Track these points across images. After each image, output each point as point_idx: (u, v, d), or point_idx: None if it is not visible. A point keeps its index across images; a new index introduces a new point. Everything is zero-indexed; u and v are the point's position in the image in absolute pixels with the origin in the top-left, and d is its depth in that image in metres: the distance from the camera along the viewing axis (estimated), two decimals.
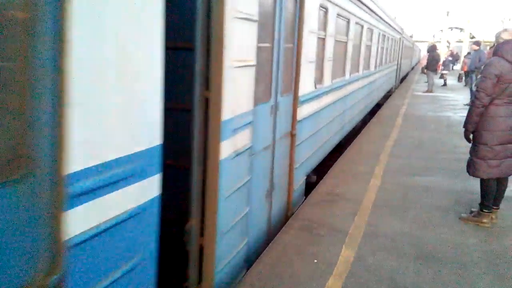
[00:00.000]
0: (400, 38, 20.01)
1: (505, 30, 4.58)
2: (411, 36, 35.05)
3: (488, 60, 4.64)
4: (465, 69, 22.43)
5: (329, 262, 3.72)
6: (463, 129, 4.62)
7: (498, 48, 4.38)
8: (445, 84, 22.72)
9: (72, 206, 1.63)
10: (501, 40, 4.45)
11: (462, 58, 24.86)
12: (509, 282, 3.52)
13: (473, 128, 4.47)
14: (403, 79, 26.20)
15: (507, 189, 4.83)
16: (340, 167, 6.72)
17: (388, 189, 5.72)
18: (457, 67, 27.40)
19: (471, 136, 4.56)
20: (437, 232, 4.41)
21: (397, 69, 21.02)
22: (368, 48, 10.02)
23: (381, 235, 4.31)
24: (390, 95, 17.61)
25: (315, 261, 3.73)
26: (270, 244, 4.01)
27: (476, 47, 14.86)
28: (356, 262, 3.73)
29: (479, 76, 4.62)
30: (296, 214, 4.74)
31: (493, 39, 5.19)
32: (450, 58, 25.09)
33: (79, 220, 1.68)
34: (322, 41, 5.50)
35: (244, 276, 3.47)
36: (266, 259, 3.72)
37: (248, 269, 3.59)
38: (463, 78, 23.96)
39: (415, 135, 9.40)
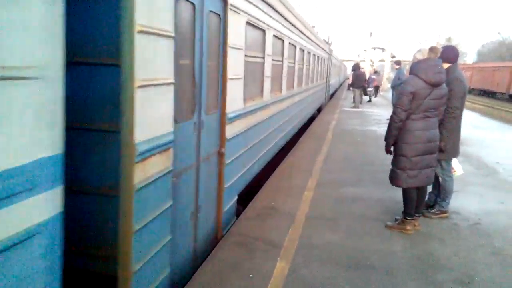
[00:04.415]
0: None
1: (419, 50, 4.99)
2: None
3: (405, 78, 5.02)
4: (376, 84, 27.52)
5: (264, 276, 3.74)
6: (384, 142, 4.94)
7: (413, 67, 4.75)
8: (370, 100, 24.27)
9: None
10: (415, 60, 4.85)
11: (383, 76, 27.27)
12: (434, 286, 3.74)
13: (393, 141, 4.79)
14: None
15: (427, 197, 5.20)
16: (275, 181, 6.84)
17: (321, 201, 5.90)
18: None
19: (391, 148, 4.88)
20: (366, 241, 4.62)
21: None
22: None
23: (314, 246, 4.42)
24: None
25: (251, 276, 3.73)
26: (205, 261, 3.95)
27: (396, 66, 15.99)
28: (291, 275, 3.79)
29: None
30: (231, 230, 4.72)
31: (411, 58, 5.61)
32: (374, 77, 26.88)
33: None
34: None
35: None
36: (201, 277, 3.65)
37: None
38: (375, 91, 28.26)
39: (344, 149, 9.85)
